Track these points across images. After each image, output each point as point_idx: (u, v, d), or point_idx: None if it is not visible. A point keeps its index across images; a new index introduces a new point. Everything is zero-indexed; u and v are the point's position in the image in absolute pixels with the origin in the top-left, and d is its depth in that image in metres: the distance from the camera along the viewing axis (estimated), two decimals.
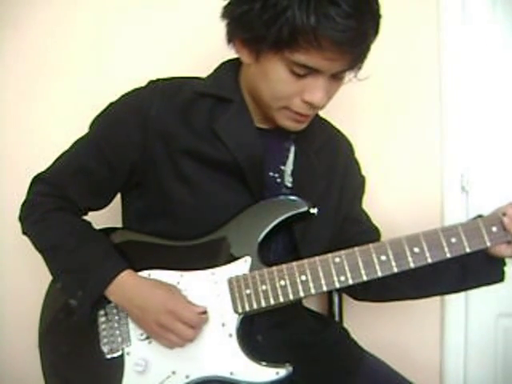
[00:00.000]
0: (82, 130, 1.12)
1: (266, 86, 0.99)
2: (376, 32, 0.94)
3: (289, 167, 1.11)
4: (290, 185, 1.10)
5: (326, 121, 1.23)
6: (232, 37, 1.01)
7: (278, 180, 1.10)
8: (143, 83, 1.10)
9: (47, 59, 1.54)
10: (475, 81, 1.56)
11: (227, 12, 0.98)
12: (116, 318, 1.05)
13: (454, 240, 0.96)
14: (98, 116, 1.11)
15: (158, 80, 1.09)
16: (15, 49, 1.54)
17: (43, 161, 1.14)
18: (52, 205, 1.10)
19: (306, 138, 1.13)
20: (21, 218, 1.13)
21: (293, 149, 1.12)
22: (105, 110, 1.11)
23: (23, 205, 1.14)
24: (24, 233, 1.13)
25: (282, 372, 0.97)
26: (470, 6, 1.53)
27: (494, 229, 0.96)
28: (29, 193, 1.15)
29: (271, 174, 1.09)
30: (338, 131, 1.25)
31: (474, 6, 1.53)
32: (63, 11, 1.53)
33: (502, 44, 1.54)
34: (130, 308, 1.02)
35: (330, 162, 1.16)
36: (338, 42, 0.88)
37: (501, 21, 1.54)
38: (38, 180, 1.14)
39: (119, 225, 1.17)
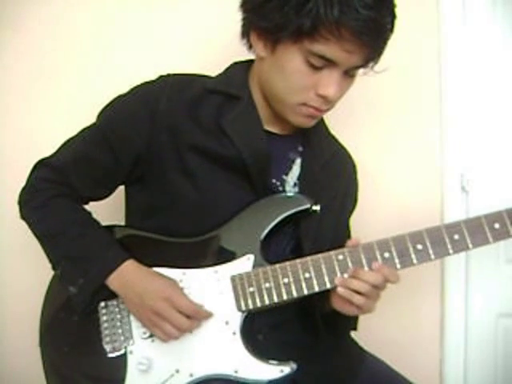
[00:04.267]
0: None
1: (281, 79, 0.98)
2: (391, 29, 0.96)
3: (291, 178, 1.10)
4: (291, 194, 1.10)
5: (331, 135, 1.23)
6: (248, 28, 1.01)
7: (280, 188, 1.09)
8: None
9: (47, 59, 1.54)
10: (475, 81, 1.56)
11: (245, 3, 0.99)
12: (118, 316, 1.05)
13: (456, 237, 0.96)
14: (106, 106, 1.10)
15: (169, 75, 1.09)
16: (15, 49, 1.54)
17: None
18: (54, 191, 1.09)
19: (313, 151, 1.13)
20: (20, 203, 1.12)
21: (299, 161, 1.12)
22: (113, 100, 1.10)
23: (23, 189, 1.13)
24: (23, 218, 1.11)
25: (286, 369, 0.97)
26: (470, 6, 1.53)
27: (497, 225, 0.96)
28: (30, 177, 1.14)
29: (274, 181, 1.09)
30: (343, 148, 1.24)
31: (474, 6, 1.53)
32: (63, 11, 1.53)
33: (502, 44, 1.55)
34: (129, 296, 1.01)
35: (334, 179, 1.16)
36: (359, 33, 0.89)
37: (501, 21, 1.54)
38: (41, 165, 1.13)
39: (122, 221, 1.16)
